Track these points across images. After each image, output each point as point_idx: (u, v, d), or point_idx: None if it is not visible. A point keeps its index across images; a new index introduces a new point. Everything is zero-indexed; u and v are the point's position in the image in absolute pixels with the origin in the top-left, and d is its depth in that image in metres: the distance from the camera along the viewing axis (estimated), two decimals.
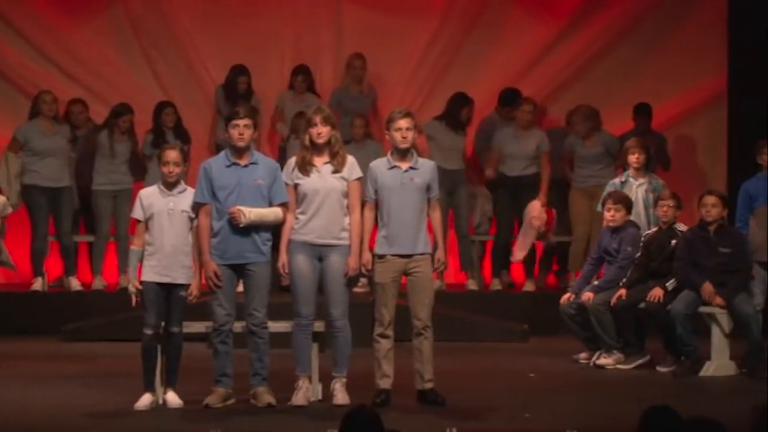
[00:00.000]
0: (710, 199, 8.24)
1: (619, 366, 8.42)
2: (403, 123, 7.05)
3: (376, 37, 11.21)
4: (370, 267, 7.08)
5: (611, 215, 8.60)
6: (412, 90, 11.29)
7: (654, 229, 8.62)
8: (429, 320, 7.07)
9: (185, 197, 6.96)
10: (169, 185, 6.97)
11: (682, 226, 8.48)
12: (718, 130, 11.04)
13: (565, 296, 8.71)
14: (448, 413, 6.84)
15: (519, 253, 10.32)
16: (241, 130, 6.93)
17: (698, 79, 11.12)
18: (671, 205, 8.47)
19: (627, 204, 8.63)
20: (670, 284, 8.28)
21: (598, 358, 8.51)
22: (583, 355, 8.69)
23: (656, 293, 8.27)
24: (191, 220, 6.96)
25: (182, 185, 7.01)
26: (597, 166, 10.25)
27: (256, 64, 10.94)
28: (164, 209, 6.92)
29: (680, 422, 4.30)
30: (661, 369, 8.31)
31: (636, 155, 8.94)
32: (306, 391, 7.00)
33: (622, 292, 8.41)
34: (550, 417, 6.81)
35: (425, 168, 7.14)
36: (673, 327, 8.17)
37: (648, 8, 11.25)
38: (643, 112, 10.61)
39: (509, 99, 10.65)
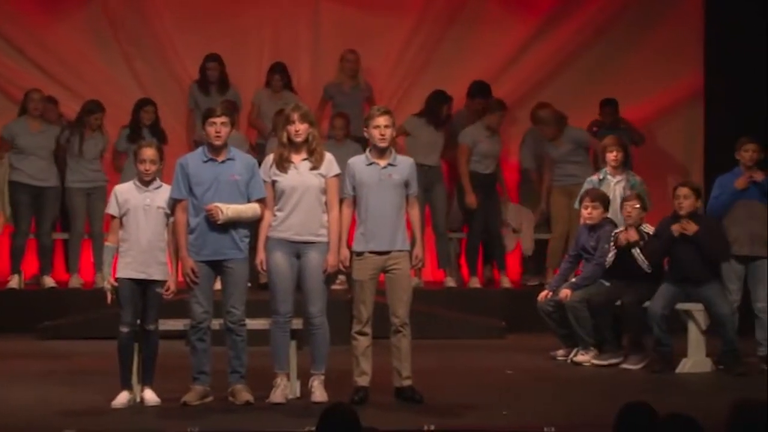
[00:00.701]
0: (683, 191, 8.25)
1: (594, 362, 8.44)
2: (382, 120, 7.06)
3: (354, 35, 11.19)
4: (348, 264, 7.09)
5: (588, 213, 8.63)
6: (390, 88, 11.29)
7: (621, 229, 8.63)
8: (407, 317, 7.08)
9: (161, 193, 6.95)
10: (145, 182, 6.95)
11: (648, 228, 8.49)
12: (696, 128, 11.08)
13: (543, 293, 8.74)
14: (425, 410, 6.85)
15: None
16: (218, 128, 6.91)
17: (676, 78, 11.16)
18: (636, 206, 8.46)
19: (604, 201, 8.65)
20: (636, 252, 8.30)
21: (575, 354, 8.54)
22: (560, 351, 8.72)
23: (631, 235, 8.27)
24: (167, 216, 6.94)
25: (158, 182, 7.00)
26: (571, 164, 10.30)
27: (234, 62, 10.90)
28: (140, 205, 6.90)
29: (656, 419, 4.32)
30: (628, 366, 8.30)
31: (614, 153, 8.96)
32: (284, 389, 7.00)
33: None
34: (528, 414, 6.83)
35: (404, 165, 7.15)
36: (647, 325, 8.22)
37: (625, 6, 11.28)
38: (609, 106, 10.65)
39: (478, 91, 10.63)
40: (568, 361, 8.56)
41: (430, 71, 11.24)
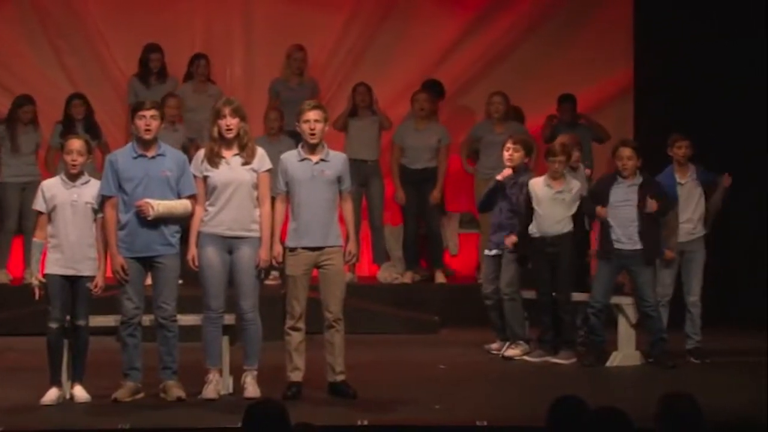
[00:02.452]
0: (626, 152, 8.19)
1: (526, 358, 8.46)
2: (312, 115, 7.02)
3: (287, 28, 11.13)
4: (281, 259, 7.05)
5: (509, 155, 8.47)
6: (323, 82, 11.21)
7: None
8: (341, 313, 7.07)
9: (89, 188, 6.86)
10: (72, 176, 6.87)
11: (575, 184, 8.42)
12: (626, 123, 11.15)
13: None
14: (359, 405, 6.84)
15: None
16: (147, 121, 6.84)
17: (606, 73, 11.21)
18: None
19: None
20: None
21: (506, 349, 8.55)
22: (494, 345, 8.73)
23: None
24: (95, 211, 6.85)
25: (86, 176, 6.92)
26: (499, 154, 10.19)
27: (166, 56, 10.78)
28: (67, 201, 6.82)
29: (587, 412, 4.35)
30: (558, 361, 8.28)
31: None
32: (216, 385, 6.96)
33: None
34: (460, 408, 6.84)
35: (336, 160, 7.12)
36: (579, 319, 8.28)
37: (556, 3, 11.34)
38: (567, 103, 10.54)
39: (429, 89, 10.56)
40: (500, 355, 8.57)
41: (363, 66, 11.22)
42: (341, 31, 11.30)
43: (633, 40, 11.00)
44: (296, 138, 8.94)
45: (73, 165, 6.83)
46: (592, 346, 8.28)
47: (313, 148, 7.06)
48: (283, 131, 10.14)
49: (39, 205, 6.88)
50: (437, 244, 10.48)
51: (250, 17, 11.32)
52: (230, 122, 6.91)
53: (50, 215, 6.85)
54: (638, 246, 8.14)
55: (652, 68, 10.74)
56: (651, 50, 10.75)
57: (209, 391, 6.91)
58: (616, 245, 8.16)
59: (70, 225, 6.80)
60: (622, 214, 8.16)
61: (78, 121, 10.19)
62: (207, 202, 6.94)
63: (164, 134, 9.07)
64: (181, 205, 6.88)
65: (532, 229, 8.41)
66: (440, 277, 10.43)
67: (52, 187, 6.90)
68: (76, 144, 6.87)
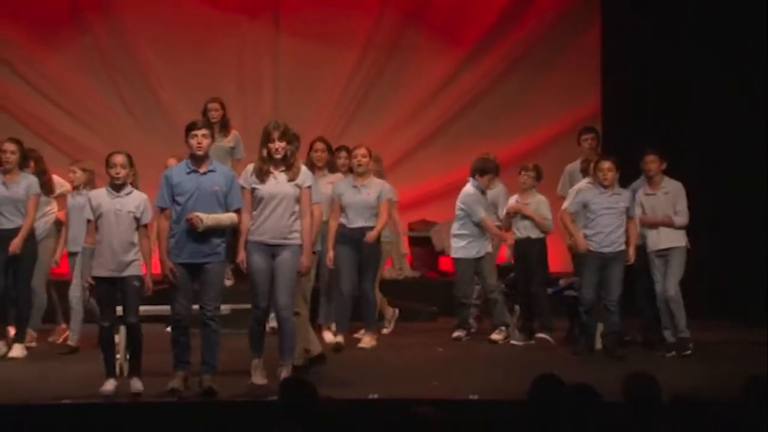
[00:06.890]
0: (606, 164, 8.03)
1: (511, 342, 8.53)
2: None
3: (307, 65, 11.15)
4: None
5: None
6: (336, 112, 11.18)
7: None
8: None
9: (131, 199, 6.70)
10: (117, 187, 6.70)
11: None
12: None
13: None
14: (369, 382, 6.90)
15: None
16: (199, 139, 6.71)
17: (577, 102, 11.19)
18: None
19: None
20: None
21: (491, 334, 8.66)
22: (462, 333, 8.77)
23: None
24: (137, 219, 6.67)
25: (129, 187, 6.73)
26: None
27: (206, 88, 10.76)
28: (112, 209, 6.65)
29: (563, 387, 4.43)
30: (544, 336, 8.40)
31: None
32: (262, 369, 6.81)
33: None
34: (455, 384, 6.91)
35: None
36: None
37: (536, 42, 11.35)
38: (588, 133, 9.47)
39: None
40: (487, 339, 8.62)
41: (371, 100, 11.18)
42: (352, 68, 11.23)
43: (601, 71, 11.01)
44: None
45: (116, 177, 6.69)
46: (586, 339, 8.08)
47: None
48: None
49: (88, 213, 6.78)
50: (370, 307, 8.53)
51: (278, 53, 11.33)
52: (278, 145, 6.83)
53: (97, 222, 6.67)
54: (619, 249, 8.02)
55: (618, 96, 10.73)
56: (617, 80, 10.75)
57: (257, 377, 6.78)
58: (598, 249, 8.00)
59: (114, 231, 6.61)
60: (605, 221, 8.00)
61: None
62: (254, 212, 6.84)
63: None
64: (228, 217, 6.71)
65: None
66: (367, 341, 8.44)
67: (99, 196, 6.74)
68: (118, 158, 6.69)
